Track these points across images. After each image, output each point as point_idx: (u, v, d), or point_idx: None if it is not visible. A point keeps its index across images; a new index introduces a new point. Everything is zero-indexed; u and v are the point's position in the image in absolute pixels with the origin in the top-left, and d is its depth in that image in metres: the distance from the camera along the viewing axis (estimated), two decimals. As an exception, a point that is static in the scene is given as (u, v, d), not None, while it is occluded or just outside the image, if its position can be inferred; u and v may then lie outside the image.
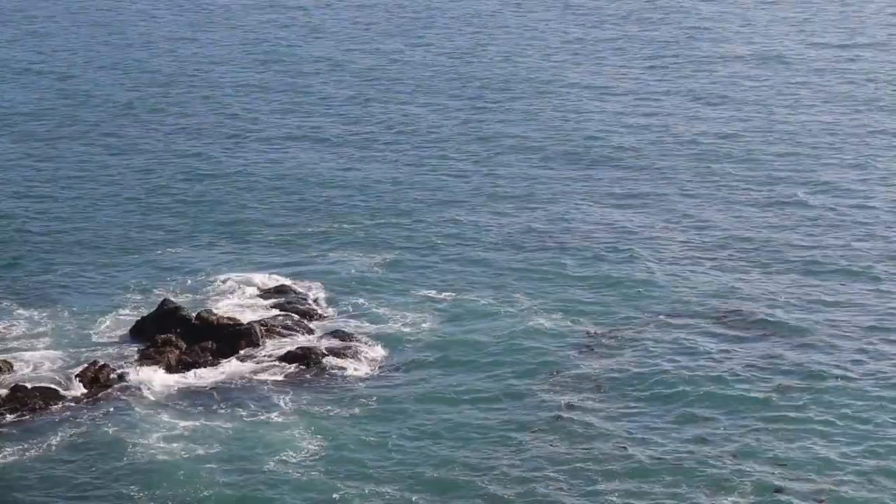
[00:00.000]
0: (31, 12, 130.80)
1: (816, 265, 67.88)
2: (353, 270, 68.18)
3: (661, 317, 62.36)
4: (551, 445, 51.49)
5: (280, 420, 53.80)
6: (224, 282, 66.88)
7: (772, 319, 61.80)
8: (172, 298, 63.50)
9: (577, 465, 50.08)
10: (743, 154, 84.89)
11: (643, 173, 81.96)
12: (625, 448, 51.19)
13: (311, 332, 61.27)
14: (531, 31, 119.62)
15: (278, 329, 61.10)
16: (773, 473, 49.25)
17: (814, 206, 75.53)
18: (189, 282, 67.15)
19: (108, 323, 62.67)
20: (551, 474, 49.53)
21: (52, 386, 56.36)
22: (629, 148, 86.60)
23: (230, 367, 58.17)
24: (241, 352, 59.15)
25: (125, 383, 56.60)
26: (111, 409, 54.73)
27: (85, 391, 56.10)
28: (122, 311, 63.72)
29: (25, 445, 52.28)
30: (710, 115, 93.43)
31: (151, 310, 62.37)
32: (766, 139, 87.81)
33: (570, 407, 54.45)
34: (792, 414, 53.36)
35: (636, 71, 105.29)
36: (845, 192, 77.84)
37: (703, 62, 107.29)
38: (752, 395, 54.93)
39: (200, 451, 51.48)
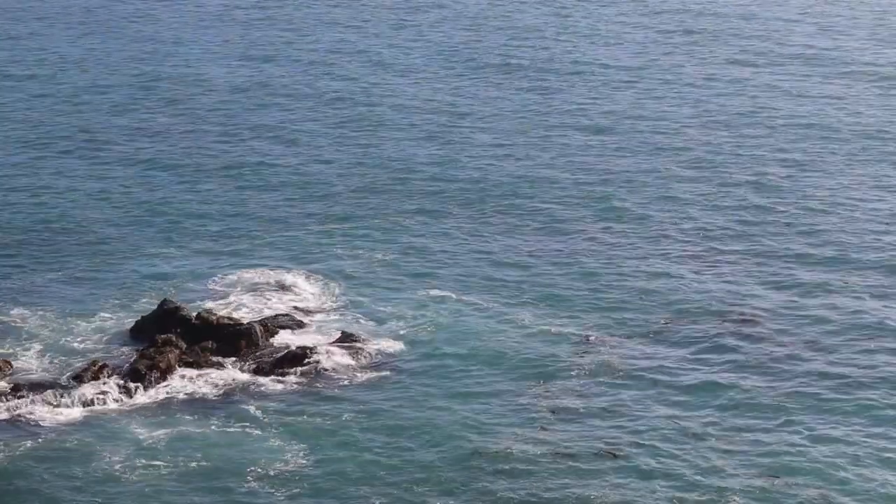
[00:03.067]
0: (30, 12, 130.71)
1: (819, 269, 68.01)
2: (354, 270, 68.20)
3: (662, 322, 62.38)
4: (545, 455, 51.03)
5: (267, 429, 53.09)
6: (224, 281, 66.94)
7: (774, 325, 61.84)
8: (172, 298, 63.52)
9: (570, 474, 49.74)
10: (749, 157, 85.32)
11: (644, 174, 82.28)
12: (614, 456, 50.96)
13: (311, 332, 61.33)
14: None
15: (278, 329, 61.16)
16: (770, 485, 49.07)
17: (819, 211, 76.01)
18: (189, 282, 67.20)
19: (107, 322, 62.57)
20: (543, 485, 49.15)
21: (51, 386, 56.23)
22: (627, 148, 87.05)
23: (226, 368, 58.06)
24: (241, 352, 59.22)
25: (113, 386, 56.35)
26: (96, 413, 54.44)
27: (83, 391, 55.92)
28: (121, 311, 63.63)
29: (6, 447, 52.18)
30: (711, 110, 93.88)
31: (151, 310, 62.44)
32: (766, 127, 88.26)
33: (567, 413, 54.20)
34: (792, 423, 53.24)
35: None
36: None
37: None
38: (751, 403, 54.81)
39: (176, 462, 50.56)
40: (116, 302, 64.84)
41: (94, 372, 57.15)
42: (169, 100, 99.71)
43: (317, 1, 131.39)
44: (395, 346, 60.15)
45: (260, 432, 52.93)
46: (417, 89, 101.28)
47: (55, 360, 59.04)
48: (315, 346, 59.49)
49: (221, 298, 64.94)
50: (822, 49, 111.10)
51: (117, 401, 55.58)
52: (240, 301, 64.60)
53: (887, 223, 73.91)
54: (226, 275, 67.74)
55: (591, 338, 60.72)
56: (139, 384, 56.61)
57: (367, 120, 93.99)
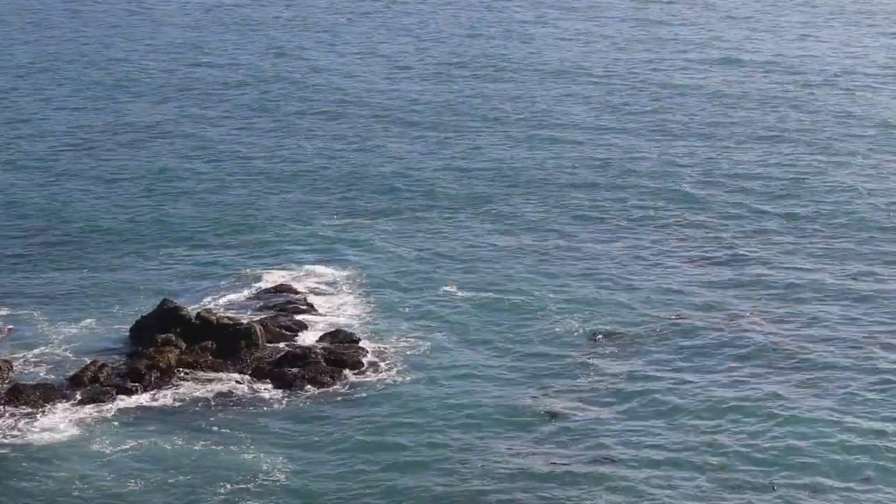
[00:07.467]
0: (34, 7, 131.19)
1: (822, 274, 67.59)
2: (356, 270, 67.88)
3: (668, 323, 61.94)
4: (544, 459, 50.49)
5: (251, 439, 52.02)
6: (224, 281, 66.63)
7: (777, 328, 61.40)
8: (172, 298, 63.14)
9: (569, 478, 49.17)
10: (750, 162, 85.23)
11: (648, 176, 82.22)
12: (611, 459, 50.37)
13: (311, 332, 60.94)
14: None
15: (279, 329, 60.80)
16: (770, 489, 48.54)
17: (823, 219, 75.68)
18: (189, 281, 66.90)
19: (107, 322, 62.30)
20: (541, 489, 48.51)
21: (51, 387, 55.83)
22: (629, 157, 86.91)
23: (224, 370, 57.55)
24: (241, 352, 58.79)
25: (112, 386, 55.86)
26: (95, 414, 53.95)
27: (82, 392, 55.55)
28: (121, 311, 63.34)
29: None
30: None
31: (151, 309, 62.06)
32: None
33: (565, 418, 53.57)
34: (797, 423, 52.79)
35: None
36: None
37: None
38: (756, 404, 54.29)
39: (148, 476, 49.50)
40: (116, 301, 64.58)
41: (93, 372, 56.93)
42: (168, 97, 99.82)
43: None
44: (396, 346, 59.81)
45: (255, 436, 52.26)
46: (423, 88, 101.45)
47: (55, 361, 58.73)
48: (314, 347, 59.13)
49: (222, 298, 64.68)
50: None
51: (116, 402, 55.09)
52: (240, 301, 64.37)
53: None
54: (226, 274, 67.47)
55: (597, 339, 60.32)
56: (138, 384, 56.27)
57: (373, 119, 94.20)
